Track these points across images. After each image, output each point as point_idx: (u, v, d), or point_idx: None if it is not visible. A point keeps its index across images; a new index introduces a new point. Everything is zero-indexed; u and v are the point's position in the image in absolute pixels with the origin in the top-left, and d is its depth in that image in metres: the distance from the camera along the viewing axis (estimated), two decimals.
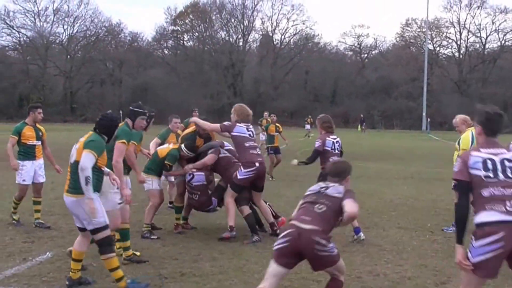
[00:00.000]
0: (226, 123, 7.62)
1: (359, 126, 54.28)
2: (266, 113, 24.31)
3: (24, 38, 68.84)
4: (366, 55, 77.37)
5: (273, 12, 71.87)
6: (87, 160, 4.93)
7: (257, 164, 7.29)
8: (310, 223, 4.28)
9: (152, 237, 7.40)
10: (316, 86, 69.95)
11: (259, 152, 7.61)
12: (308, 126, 40.20)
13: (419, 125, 58.97)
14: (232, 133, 7.41)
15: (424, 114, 58.41)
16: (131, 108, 6.37)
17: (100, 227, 5.07)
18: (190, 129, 8.18)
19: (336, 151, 7.66)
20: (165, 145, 8.18)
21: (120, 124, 5.98)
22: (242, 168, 7.27)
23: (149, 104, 65.96)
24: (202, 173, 7.65)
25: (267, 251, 6.74)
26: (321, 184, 4.76)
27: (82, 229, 5.28)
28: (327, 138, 7.65)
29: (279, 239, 4.45)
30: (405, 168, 18.08)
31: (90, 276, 5.59)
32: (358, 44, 76.06)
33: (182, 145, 7.78)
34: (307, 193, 4.76)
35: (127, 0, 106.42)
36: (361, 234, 7.34)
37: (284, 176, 14.81)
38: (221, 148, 7.87)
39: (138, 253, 6.36)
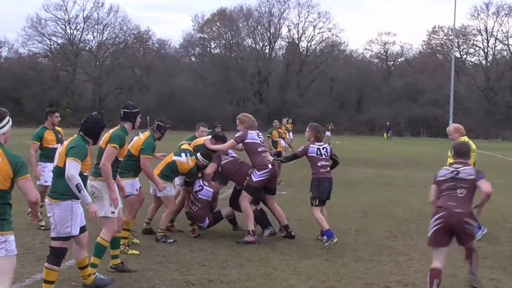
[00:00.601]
0: (238, 134, 7.91)
1: (385, 134, 53.79)
2: (284, 120, 24.38)
3: (55, 45, 70.17)
4: (392, 62, 76.69)
5: (299, 19, 71.83)
6: (72, 168, 4.86)
7: (270, 166, 7.66)
8: (458, 207, 5.19)
9: (168, 241, 7.46)
10: (341, 93, 69.58)
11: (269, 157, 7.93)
12: (328, 133, 39.84)
13: (446, 133, 57.99)
14: (246, 141, 7.77)
15: (451, 121, 57.46)
16: (126, 111, 6.20)
17: (62, 237, 4.97)
18: (200, 140, 8.34)
19: (324, 156, 7.95)
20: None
21: (116, 128, 6.05)
22: (256, 171, 7.58)
23: (176, 110, 66.68)
24: (211, 190, 7.87)
25: (294, 259, 6.73)
26: (450, 168, 5.58)
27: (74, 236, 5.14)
28: (311, 145, 7.93)
29: (432, 223, 5.40)
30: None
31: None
32: (384, 51, 75.50)
33: (198, 154, 7.90)
34: (440, 178, 5.63)
35: (155, 8, 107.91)
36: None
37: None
38: (225, 155, 8.13)
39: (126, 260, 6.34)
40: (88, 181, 5.66)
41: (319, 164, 7.81)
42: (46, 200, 4.99)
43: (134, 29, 71.15)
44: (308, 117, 63.62)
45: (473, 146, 8.47)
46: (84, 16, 68.88)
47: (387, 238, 8.11)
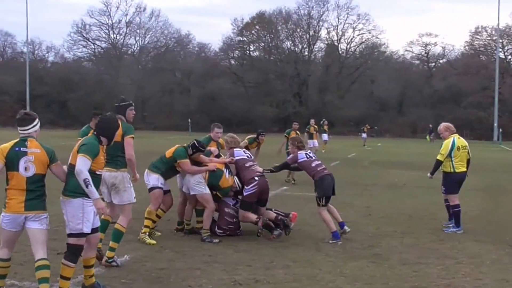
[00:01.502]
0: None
1: (427, 136, 52.76)
2: (312, 120, 24.32)
3: (99, 50, 71.98)
4: (433, 64, 75.18)
5: (338, 21, 71.27)
6: (81, 163, 4.96)
7: (256, 178, 7.91)
8: None
9: (214, 241, 7.55)
10: (382, 95, 68.63)
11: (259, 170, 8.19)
12: (364, 135, 39.13)
13: (490, 136, 56.55)
14: (235, 158, 8.20)
15: (495, 124, 56.02)
16: (116, 104, 6.85)
17: (74, 233, 5.05)
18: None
19: (314, 158, 8.35)
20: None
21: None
22: (246, 187, 7.90)
23: (216, 112, 67.16)
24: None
25: (339, 261, 6.71)
26: None
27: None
28: (299, 152, 8.24)
29: None
30: (478, 180, 17.35)
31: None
32: (425, 52, 74.06)
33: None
34: None
35: (196, 12, 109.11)
36: (346, 228, 8.05)
37: (354, 186, 14.62)
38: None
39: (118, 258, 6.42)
40: (109, 173, 6.13)
41: (313, 165, 8.10)
42: (60, 197, 5.12)
43: (175, 33, 72.28)
44: (348, 119, 63.31)
45: (465, 143, 8.99)
46: (127, 20, 70.50)
47: (434, 241, 7.98)
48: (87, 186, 4.90)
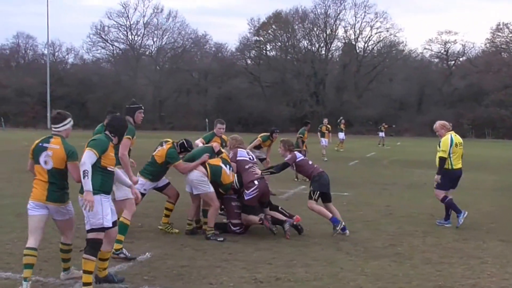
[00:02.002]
0: (230, 155, 8.34)
1: None
2: (325, 120, 24.21)
3: (117, 51, 72.58)
4: (453, 62, 74.28)
5: (356, 20, 70.88)
6: (86, 156, 5.16)
7: (256, 182, 7.89)
8: None
9: (218, 239, 7.47)
10: (400, 94, 68.09)
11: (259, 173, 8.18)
12: (382, 134, 38.55)
13: None
14: (237, 158, 8.21)
15: None
16: (127, 106, 7.16)
17: (95, 228, 5.20)
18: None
19: (306, 157, 8.83)
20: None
21: None
22: (246, 191, 7.87)
23: (233, 112, 67.26)
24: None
25: (360, 260, 6.64)
26: None
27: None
28: (296, 153, 8.45)
29: None
30: (502, 179, 17.13)
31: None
32: (444, 50, 73.24)
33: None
34: None
35: (212, 12, 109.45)
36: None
37: (373, 185, 14.51)
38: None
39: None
40: None
41: (310, 163, 8.38)
42: (79, 196, 5.25)
43: (192, 34, 72.60)
44: (366, 118, 62.87)
45: (460, 140, 9.26)
46: (145, 22, 71.04)
47: (457, 241, 7.85)
48: (84, 177, 5.06)
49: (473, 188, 14.64)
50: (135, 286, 5.46)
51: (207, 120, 53.91)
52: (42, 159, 5.31)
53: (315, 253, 6.92)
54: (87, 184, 5.05)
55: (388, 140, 40.69)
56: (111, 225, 5.31)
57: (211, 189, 7.73)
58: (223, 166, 7.95)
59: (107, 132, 5.53)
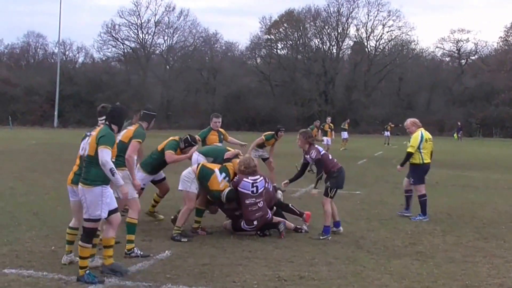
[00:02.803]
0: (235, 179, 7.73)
1: (455, 134, 51.84)
2: (329, 118, 24.10)
3: (128, 49, 72.61)
4: (464, 60, 73.84)
5: (368, 18, 70.72)
6: (104, 155, 5.34)
7: (255, 223, 7.64)
8: None
9: (182, 239, 7.24)
10: (410, 93, 67.86)
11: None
12: (387, 133, 38.10)
13: None
14: (239, 189, 7.64)
15: None
16: (145, 111, 7.05)
17: (93, 218, 5.47)
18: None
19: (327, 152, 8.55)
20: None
21: (136, 126, 6.88)
22: (245, 224, 7.65)
23: (241, 111, 66.98)
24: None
25: (382, 259, 6.59)
26: None
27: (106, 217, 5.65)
28: (317, 147, 8.06)
29: None
30: None
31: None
32: (457, 49, 72.83)
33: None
34: None
35: (224, 11, 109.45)
36: (341, 228, 7.99)
37: (385, 184, 14.43)
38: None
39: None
40: None
41: (330, 157, 8.09)
42: (79, 185, 5.51)
43: (202, 32, 72.61)
44: (374, 117, 62.62)
45: (430, 136, 9.61)
46: (156, 20, 71.05)
47: (478, 240, 7.77)
48: (113, 175, 5.36)
49: (485, 187, 14.56)
50: (158, 284, 5.43)
51: None
52: (82, 146, 5.79)
53: (335, 252, 6.87)
54: (118, 180, 5.46)
55: (394, 139, 40.44)
56: (106, 216, 5.53)
57: (193, 189, 7.52)
58: (216, 171, 7.63)
59: (107, 123, 5.68)
